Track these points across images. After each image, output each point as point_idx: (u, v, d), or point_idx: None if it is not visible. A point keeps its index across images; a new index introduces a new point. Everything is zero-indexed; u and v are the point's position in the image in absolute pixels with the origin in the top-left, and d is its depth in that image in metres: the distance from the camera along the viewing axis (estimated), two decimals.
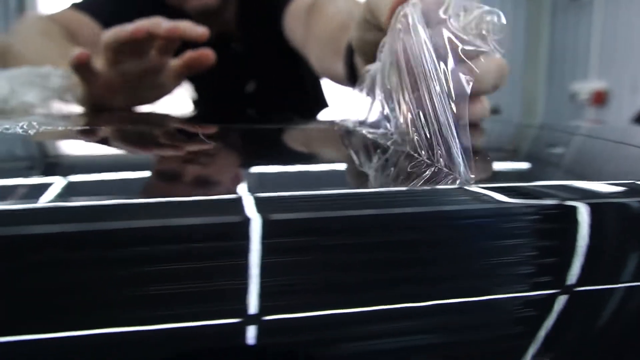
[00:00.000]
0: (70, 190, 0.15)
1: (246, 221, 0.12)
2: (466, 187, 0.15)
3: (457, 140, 0.17)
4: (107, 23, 0.51)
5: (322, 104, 0.88)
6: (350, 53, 0.40)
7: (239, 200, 0.13)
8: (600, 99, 3.16)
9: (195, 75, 0.59)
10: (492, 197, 0.14)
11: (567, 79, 3.52)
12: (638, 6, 2.99)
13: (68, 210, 0.12)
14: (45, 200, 0.13)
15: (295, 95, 0.85)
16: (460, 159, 0.17)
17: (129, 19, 0.43)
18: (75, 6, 0.70)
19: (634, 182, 0.16)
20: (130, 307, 0.11)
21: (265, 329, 0.12)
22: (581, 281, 0.14)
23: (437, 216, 0.13)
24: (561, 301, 0.14)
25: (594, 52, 3.34)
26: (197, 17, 0.68)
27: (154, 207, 0.12)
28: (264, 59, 0.77)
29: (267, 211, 0.12)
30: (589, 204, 0.15)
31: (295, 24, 0.64)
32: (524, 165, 0.24)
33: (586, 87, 3.27)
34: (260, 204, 0.13)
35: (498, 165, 0.23)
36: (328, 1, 0.57)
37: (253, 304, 0.12)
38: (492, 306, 0.14)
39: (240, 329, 0.12)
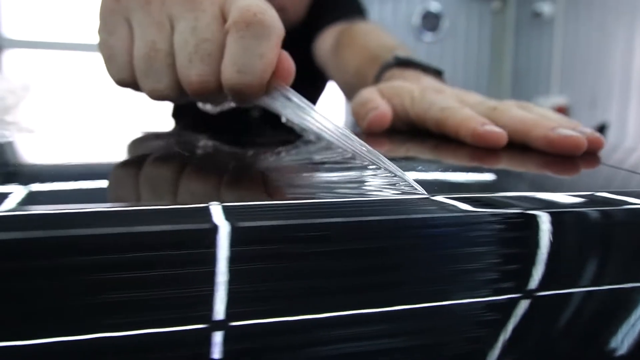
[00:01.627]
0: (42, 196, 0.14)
1: (214, 228, 0.12)
2: (432, 197, 0.16)
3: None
4: None
5: None
6: None
7: (206, 209, 0.13)
8: (561, 113, 3.29)
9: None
10: (456, 207, 0.15)
11: (531, 94, 3.65)
12: (597, 23, 3.14)
13: (33, 217, 0.12)
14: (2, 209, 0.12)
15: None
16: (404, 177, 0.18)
17: None
18: None
19: (592, 194, 0.17)
20: (95, 315, 0.11)
21: (232, 335, 0.12)
22: (542, 286, 0.15)
23: (403, 224, 0.14)
24: (522, 305, 0.15)
25: (555, 67, 3.48)
26: None
27: (121, 214, 0.12)
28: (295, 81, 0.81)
29: (235, 219, 0.12)
30: (550, 212, 0.15)
31: (323, 50, 0.68)
32: (487, 178, 0.25)
33: (548, 102, 3.39)
34: (228, 212, 0.13)
35: (462, 177, 0.24)
36: (357, 34, 0.61)
37: (220, 310, 0.12)
38: (456, 310, 0.14)
39: (207, 335, 0.11)
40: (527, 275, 0.15)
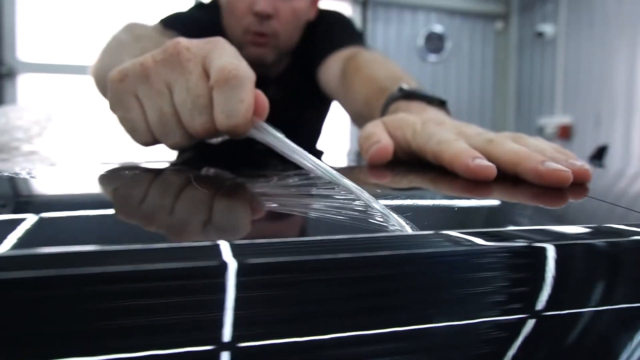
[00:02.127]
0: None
1: (223, 265, 0.14)
2: (441, 232, 0.17)
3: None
4: None
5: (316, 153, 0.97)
6: None
7: (216, 247, 0.15)
8: (565, 133, 3.29)
9: None
10: (468, 240, 0.17)
11: (535, 114, 3.66)
12: (599, 42, 3.16)
13: (72, 255, 0.14)
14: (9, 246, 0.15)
15: (301, 142, 0.93)
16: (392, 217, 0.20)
17: None
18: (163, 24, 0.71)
19: (598, 226, 0.19)
20: (116, 337, 0.13)
21: (237, 355, 0.14)
22: (548, 307, 0.17)
23: (416, 258, 0.16)
24: (530, 324, 0.16)
25: (559, 87, 3.50)
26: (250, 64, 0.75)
27: (138, 253, 0.15)
28: (293, 106, 0.87)
29: (243, 256, 0.14)
30: (555, 245, 0.17)
31: (330, 78, 0.74)
32: (493, 205, 0.27)
33: (552, 121, 3.41)
34: (236, 249, 0.15)
35: (468, 203, 0.26)
36: (362, 64, 0.65)
37: (227, 333, 0.14)
38: (467, 329, 0.16)
39: (215, 355, 0.14)
40: (535, 297, 0.17)
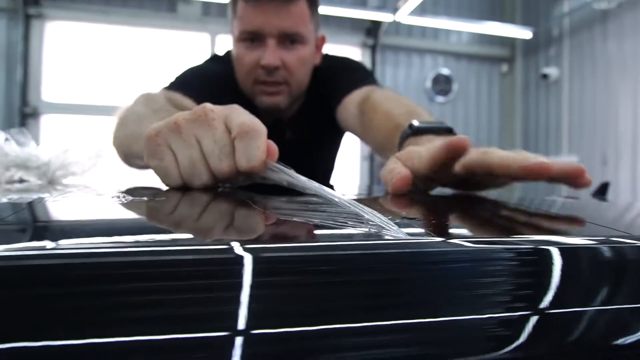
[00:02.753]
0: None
1: (239, 258, 0.16)
2: (449, 240, 0.19)
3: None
4: None
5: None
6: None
7: (232, 244, 0.17)
8: None
9: None
10: (473, 246, 0.18)
11: (541, 153, 3.69)
12: (602, 83, 3.23)
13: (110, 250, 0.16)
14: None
15: (316, 178, 1.01)
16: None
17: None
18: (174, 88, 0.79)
19: (608, 235, 0.21)
20: (143, 323, 0.15)
21: (251, 340, 0.15)
22: (552, 305, 0.18)
23: (425, 260, 0.17)
24: (533, 321, 0.17)
25: (565, 127, 3.54)
26: (264, 111, 0.84)
27: (165, 252, 0.17)
28: (307, 145, 0.95)
29: (256, 251, 0.16)
30: (559, 248, 0.18)
31: (348, 116, 0.81)
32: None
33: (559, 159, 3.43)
34: (250, 247, 0.16)
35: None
36: (378, 102, 0.72)
37: (242, 321, 0.15)
38: (472, 324, 0.17)
39: (231, 340, 0.15)
40: (540, 296, 0.18)
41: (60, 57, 3.25)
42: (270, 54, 0.78)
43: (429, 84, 3.88)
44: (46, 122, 3.25)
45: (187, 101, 0.75)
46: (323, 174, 1.05)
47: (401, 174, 0.42)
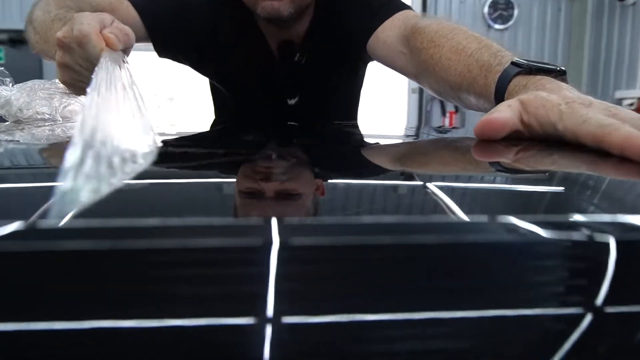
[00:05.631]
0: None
1: (269, 244, 0.15)
2: (497, 219, 0.17)
3: None
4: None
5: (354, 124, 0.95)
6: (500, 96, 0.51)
7: (264, 225, 0.16)
8: None
9: (248, 82, 0.64)
10: (528, 230, 0.16)
11: (611, 86, 3.42)
12: None
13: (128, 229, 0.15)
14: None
15: (335, 112, 0.92)
16: None
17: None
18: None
19: None
20: (174, 305, 0.14)
21: (279, 328, 0.14)
22: (608, 302, 0.16)
23: (475, 248, 0.16)
24: (588, 319, 0.16)
25: None
26: (267, 21, 0.79)
27: (195, 229, 0.16)
28: (321, 72, 0.87)
29: (287, 236, 0.15)
30: (617, 240, 0.16)
31: (391, 54, 0.74)
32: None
33: (632, 94, 3.17)
34: (282, 228, 0.15)
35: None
36: (439, 36, 0.63)
37: (270, 309, 0.15)
38: (524, 319, 0.16)
39: (260, 327, 0.14)
40: (595, 292, 0.16)
41: None
42: None
43: (486, 9, 3.59)
44: None
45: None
46: (345, 108, 0.97)
47: (493, 115, 0.40)
